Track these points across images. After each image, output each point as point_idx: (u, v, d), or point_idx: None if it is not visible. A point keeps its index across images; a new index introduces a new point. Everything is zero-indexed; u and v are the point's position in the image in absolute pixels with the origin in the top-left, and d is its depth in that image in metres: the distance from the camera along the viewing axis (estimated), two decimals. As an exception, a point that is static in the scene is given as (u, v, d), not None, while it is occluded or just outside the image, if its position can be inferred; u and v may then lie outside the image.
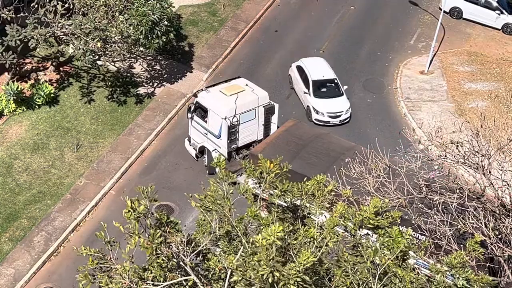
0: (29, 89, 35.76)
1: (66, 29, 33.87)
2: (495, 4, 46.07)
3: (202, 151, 33.43)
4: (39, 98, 35.33)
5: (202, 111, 32.77)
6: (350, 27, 45.27)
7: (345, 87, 37.79)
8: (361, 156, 25.02)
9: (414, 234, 21.45)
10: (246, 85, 33.16)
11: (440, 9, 43.32)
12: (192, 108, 33.08)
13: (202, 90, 33.28)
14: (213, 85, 33.88)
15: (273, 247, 13.88)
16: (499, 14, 45.78)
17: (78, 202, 31.31)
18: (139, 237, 14.86)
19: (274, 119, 33.41)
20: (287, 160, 25.58)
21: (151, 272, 15.25)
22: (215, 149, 32.59)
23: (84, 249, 15.50)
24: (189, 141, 34.07)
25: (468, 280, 16.23)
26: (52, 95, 35.82)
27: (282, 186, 16.50)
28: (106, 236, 15.51)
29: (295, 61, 39.33)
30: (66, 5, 34.39)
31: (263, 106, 32.67)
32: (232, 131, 31.92)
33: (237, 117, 31.83)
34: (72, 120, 35.28)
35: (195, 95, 33.42)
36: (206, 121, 32.56)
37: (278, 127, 33.40)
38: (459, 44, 44.83)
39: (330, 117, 36.69)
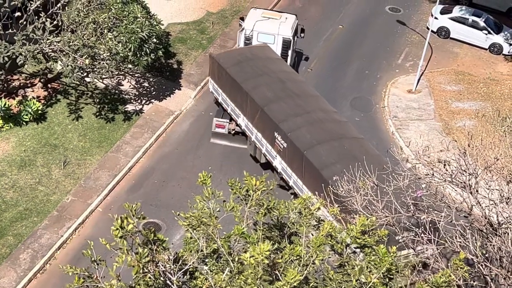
0: (16, 106, 35.66)
1: (55, 46, 33.82)
2: (482, 24, 46.42)
3: None
4: (27, 115, 35.24)
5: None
6: (338, 46, 45.49)
7: None
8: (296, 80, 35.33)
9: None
10: (286, 18, 40.33)
11: (428, 29, 43.62)
12: (244, 20, 40.56)
13: (255, 6, 42.76)
14: (269, 10, 43.06)
15: (260, 265, 13.85)
16: (486, 34, 46.11)
17: (65, 219, 31.15)
18: (127, 254, 14.78)
19: (290, 53, 39.62)
20: (229, 65, 35.60)
21: (138, 290, 15.18)
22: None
23: (70, 268, 15.39)
24: None
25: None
26: (39, 111, 35.73)
27: (268, 203, 16.49)
28: (93, 254, 15.40)
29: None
30: (55, 22, 34.37)
31: (282, 37, 39.19)
32: (247, 42, 39.50)
33: (252, 33, 39.27)
34: (59, 137, 35.18)
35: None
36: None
37: (289, 64, 39.65)
38: (446, 63, 45.10)
39: None
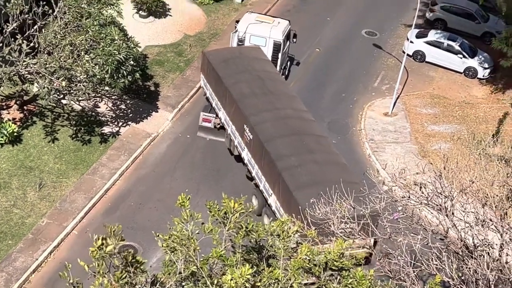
0: (-8, 128, 35.41)
1: (31, 67, 33.68)
2: (457, 48, 46.93)
3: None
4: (2, 137, 34.96)
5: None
6: (315, 69, 45.74)
7: None
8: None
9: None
10: (278, 22, 42.24)
11: (404, 52, 44.01)
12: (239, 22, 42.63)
13: (250, 10, 45.02)
14: (263, 14, 44.85)
15: (240, 288, 13.80)
16: (461, 58, 46.60)
17: (40, 243, 30.86)
18: (103, 277, 14.64)
19: (280, 56, 41.28)
20: (217, 62, 37.56)
21: (114, 314, 15.02)
22: None
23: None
24: None
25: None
26: (15, 134, 35.47)
27: (247, 226, 16.45)
28: (69, 276, 15.23)
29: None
30: (31, 44, 34.24)
31: (273, 40, 40.91)
32: (239, 44, 41.46)
33: (245, 36, 41.31)
34: (35, 159, 34.93)
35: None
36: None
37: (280, 67, 41.69)
38: (422, 86, 45.50)
39: None
